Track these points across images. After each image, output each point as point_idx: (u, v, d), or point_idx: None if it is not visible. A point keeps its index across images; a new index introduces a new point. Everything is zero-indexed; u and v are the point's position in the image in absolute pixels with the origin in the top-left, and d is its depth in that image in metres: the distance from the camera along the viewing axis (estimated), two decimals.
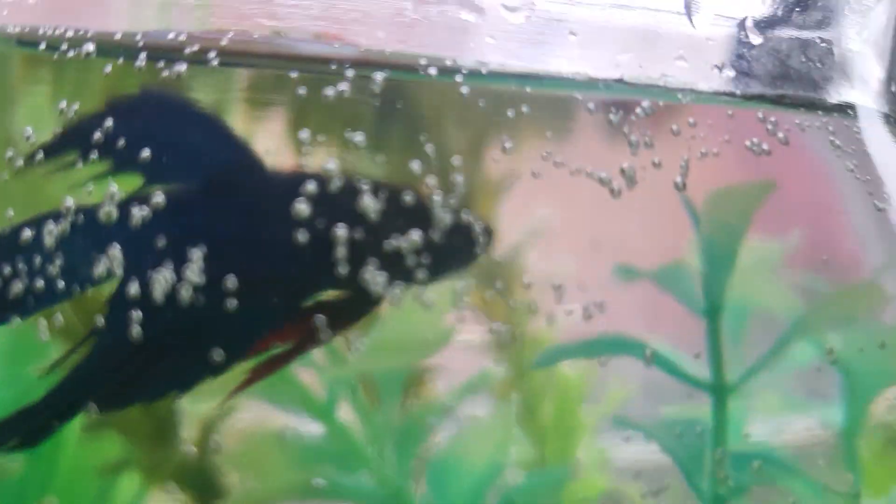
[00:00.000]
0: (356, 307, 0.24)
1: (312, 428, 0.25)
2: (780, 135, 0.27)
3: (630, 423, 0.26)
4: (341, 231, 0.23)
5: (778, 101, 0.28)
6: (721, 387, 0.26)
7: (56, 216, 0.24)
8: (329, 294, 0.24)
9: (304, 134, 0.24)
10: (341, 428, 0.25)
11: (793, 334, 0.27)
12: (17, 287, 0.24)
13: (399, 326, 0.24)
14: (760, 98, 0.28)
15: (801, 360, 0.27)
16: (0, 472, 0.25)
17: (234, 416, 0.24)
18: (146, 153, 0.24)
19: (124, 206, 0.23)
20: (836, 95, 0.29)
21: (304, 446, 0.25)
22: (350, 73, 0.24)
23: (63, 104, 0.25)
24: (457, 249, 0.24)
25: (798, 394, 0.27)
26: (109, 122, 0.24)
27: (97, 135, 0.24)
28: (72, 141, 0.24)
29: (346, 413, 0.25)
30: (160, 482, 0.25)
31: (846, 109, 0.29)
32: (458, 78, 0.25)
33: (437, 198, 0.24)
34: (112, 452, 0.25)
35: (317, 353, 0.25)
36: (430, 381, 0.25)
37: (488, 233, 0.24)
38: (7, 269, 0.24)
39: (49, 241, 0.24)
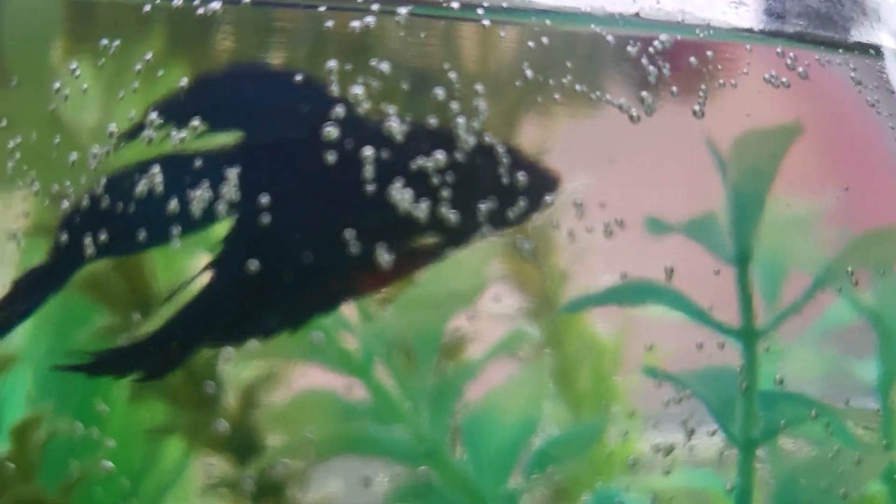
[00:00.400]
0: (441, 249, 0.24)
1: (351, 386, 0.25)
2: (800, 69, 0.28)
3: (661, 373, 0.26)
4: (435, 177, 0.24)
5: (799, 38, 0.28)
6: (751, 332, 0.27)
7: (174, 162, 0.24)
8: (423, 238, 0.24)
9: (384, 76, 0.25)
10: (378, 386, 0.25)
11: (823, 280, 0.27)
12: (144, 224, 0.24)
13: (438, 279, 0.25)
14: (781, 35, 0.28)
15: (834, 313, 0.27)
16: (51, 435, 0.25)
17: (274, 376, 0.25)
18: (246, 113, 0.25)
19: (233, 156, 0.24)
20: (857, 35, 0.29)
21: (343, 404, 0.25)
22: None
23: (104, 41, 0.25)
24: (529, 196, 0.25)
25: (832, 345, 0.27)
26: (207, 90, 0.25)
27: (195, 102, 0.25)
28: (172, 110, 0.25)
29: (382, 371, 0.25)
30: (204, 446, 0.25)
31: (868, 49, 0.29)
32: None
33: (512, 147, 0.25)
34: (158, 417, 0.25)
35: (351, 313, 0.25)
36: (465, 339, 0.25)
37: (556, 181, 0.25)
38: (126, 208, 0.24)
39: (164, 183, 0.24)
